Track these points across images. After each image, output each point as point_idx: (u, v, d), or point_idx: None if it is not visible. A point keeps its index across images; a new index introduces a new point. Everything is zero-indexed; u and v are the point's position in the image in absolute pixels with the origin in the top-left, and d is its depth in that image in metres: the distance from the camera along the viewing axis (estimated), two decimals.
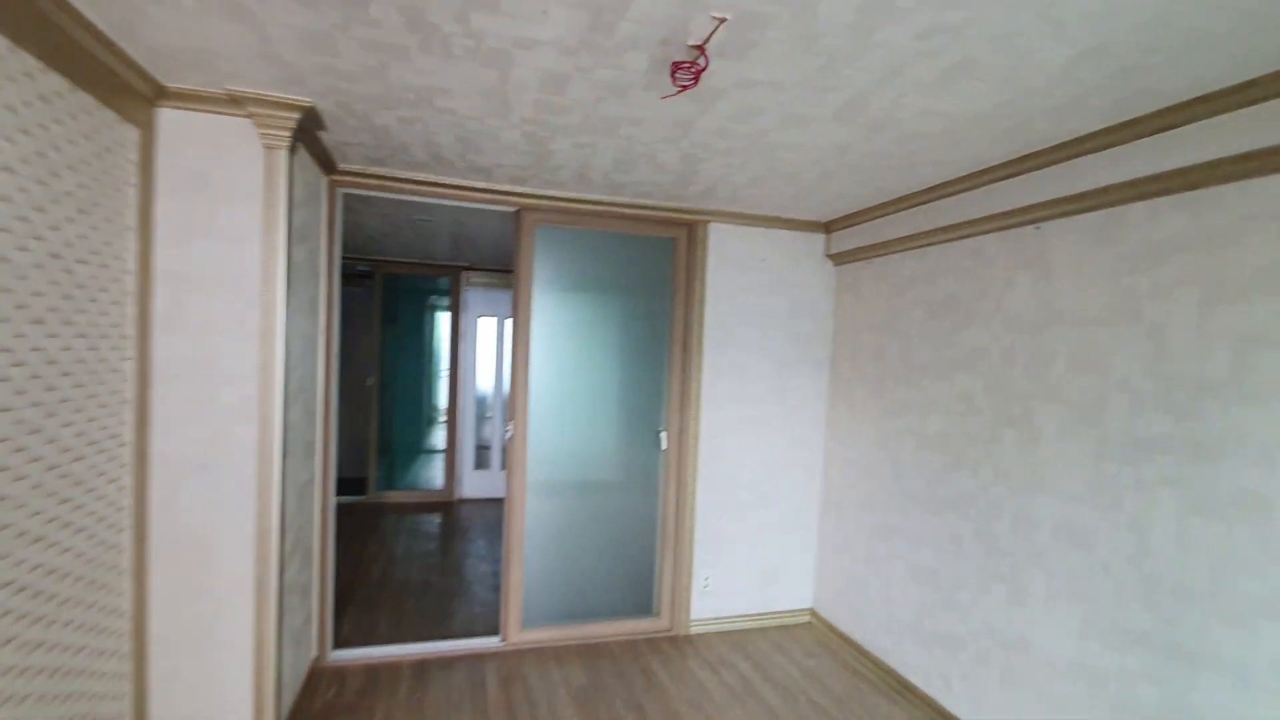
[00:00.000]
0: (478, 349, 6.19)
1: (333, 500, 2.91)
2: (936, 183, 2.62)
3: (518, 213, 3.06)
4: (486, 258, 5.44)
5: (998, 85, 1.68)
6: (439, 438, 7.01)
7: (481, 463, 6.24)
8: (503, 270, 6.07)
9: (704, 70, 1.48)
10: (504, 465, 6.33)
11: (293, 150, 2.17)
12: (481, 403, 6.40)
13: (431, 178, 2.85)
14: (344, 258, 5.68)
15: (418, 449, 7.52)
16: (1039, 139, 2.07)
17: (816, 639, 3.38)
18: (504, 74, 1.75)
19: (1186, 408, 1.80)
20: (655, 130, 2.13)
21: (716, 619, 3.43)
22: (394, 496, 5.87)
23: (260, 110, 2.05)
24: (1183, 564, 1.78)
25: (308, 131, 2.25)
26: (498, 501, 6.02)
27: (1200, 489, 1.75)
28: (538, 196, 3.01)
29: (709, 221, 3.29)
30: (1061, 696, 2.13)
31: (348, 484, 6.21)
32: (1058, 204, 2.18)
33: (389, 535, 4.86)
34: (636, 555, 3.39)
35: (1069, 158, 2.10)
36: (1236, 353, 1.68)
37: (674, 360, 3.33)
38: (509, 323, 6.29)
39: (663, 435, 3.31)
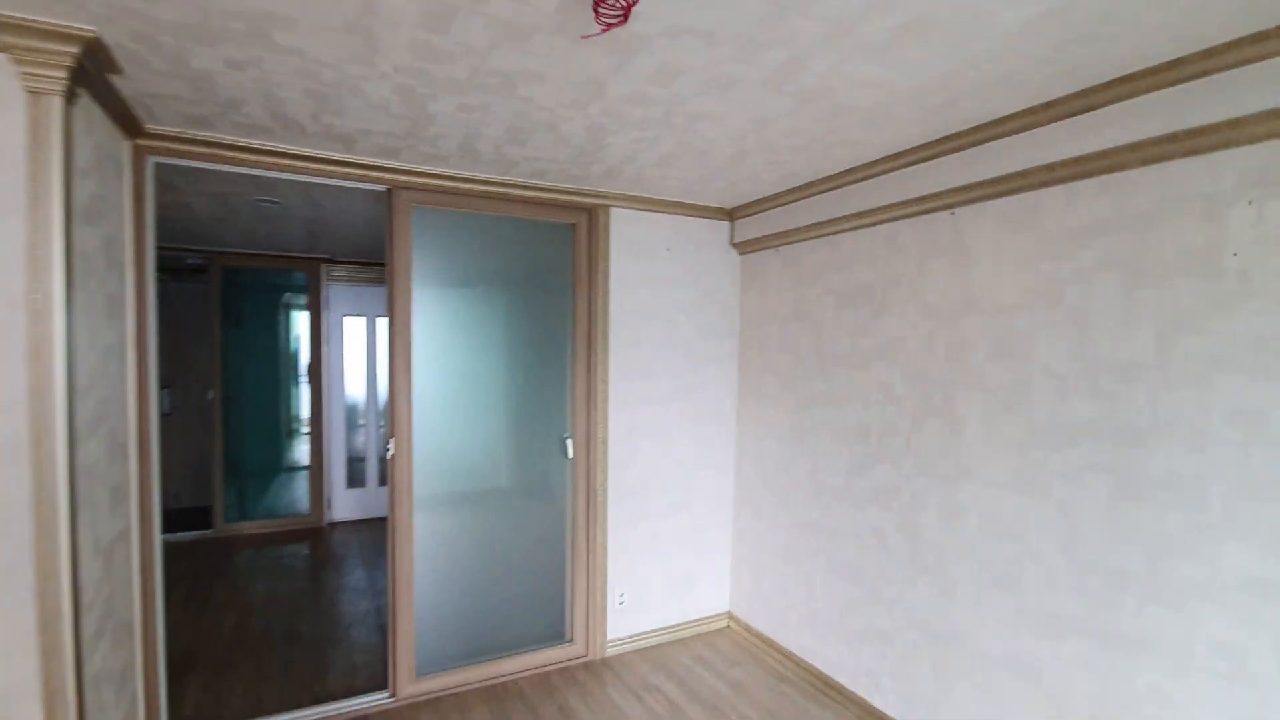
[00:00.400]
0: (345, 352, 5.49)
1: (157, 551, 2.31)
2: (851, 166, 2.52)
3: (389, 192, 2.60)
4: (351, 248, 4.79)
5: (944, 51, 1.54)
6: (303, 452, 6.17)
7: (356, 479, 5.56)
8: (371, 263, 5.42)
9: (635, 3, 1.19)
10: (384, 481, 5.69)
11: (71, 98, 1.61)
12: (353, 411, 5.70)
13: (276, 146, 2.32)
14: (165, 247, 4.78)
15: (276, 467, 6.62)
16: (960, 119, 1.99)
17: (736, 644, 3.24)
18: None
19: (1112, 392, 1.79)
20: (560, 92, 1.81)
21: (634, 636, 3.19)
22: (249, 527, 5.05)
23: (20, 41, 1.49)
24: (1115, 550, 1.78)
25: (94, 75, 1.69)
26: (378, 523, 5.39)
27: (1129, 473, 1.75)
28: (414, 174, 2.57)
29: (610, 206, 3.01)
30: (997, 688, 2.10)
31: (188, 517, 5.27)
32: (975, 188, 2.13)
33: (244, 576, 4.13)
34: (544, 576, 3.06)
35: (988, 139, 2.05)
36: (1160, 336, 1.68)
37: (577, 359, 3.02)
38: (382, 322, 5.66)
39: (568, 442, 3.00)
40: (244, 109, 1.98)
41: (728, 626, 3.45)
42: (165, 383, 6.28)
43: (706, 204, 3.24)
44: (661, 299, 3.20)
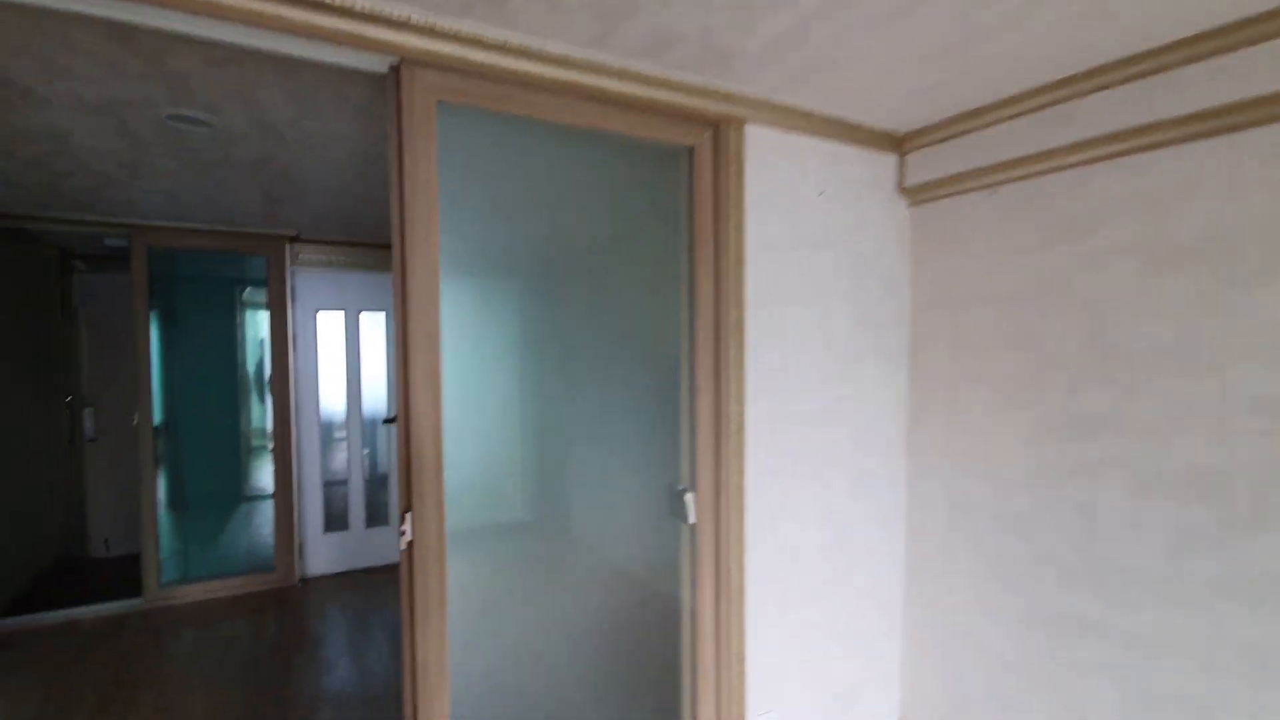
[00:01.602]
0: (319, 357, 4.29)
1: None
2: (1133, 53, 1.44)
3: (395, 72, 1.46)
4: (324, 220, 3.59)
5: None
6: (267, 475, 4.94)
7: (335, 518, 4.36)
8: (353, 243, 4.22)
9: None
10: (373, 520, 4.51)
11: None
12: (330, 428, 4.51)
13: None
14: (67, 220, 3.51)
15: (234, 496, 5.40)
16: None
17: None
18: None
19: None
20: None
21: None
22: (193, 592, 3.83)
23: None
24: None
25: None
26: (367, 577, 4.20)
27: None
28: (438, 34, 1.43)
29: (746, 121, 1.90)
30: None
31: (116, 575, 4.03)
32: None
33: (179, 678, 2.93)
34: (645, 705, 1.94)
35: None
36: None
37: (698, 368, 1.90)
38: (369, 317, 4.47)
39: (688, 499, 1.88)
40: None
41: None
42: (87, 401, 5.02)
43: (873, 125, 2.15)
44: (811, 272, 2.10)
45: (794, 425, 2.06)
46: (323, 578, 4.17)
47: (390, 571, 4.30)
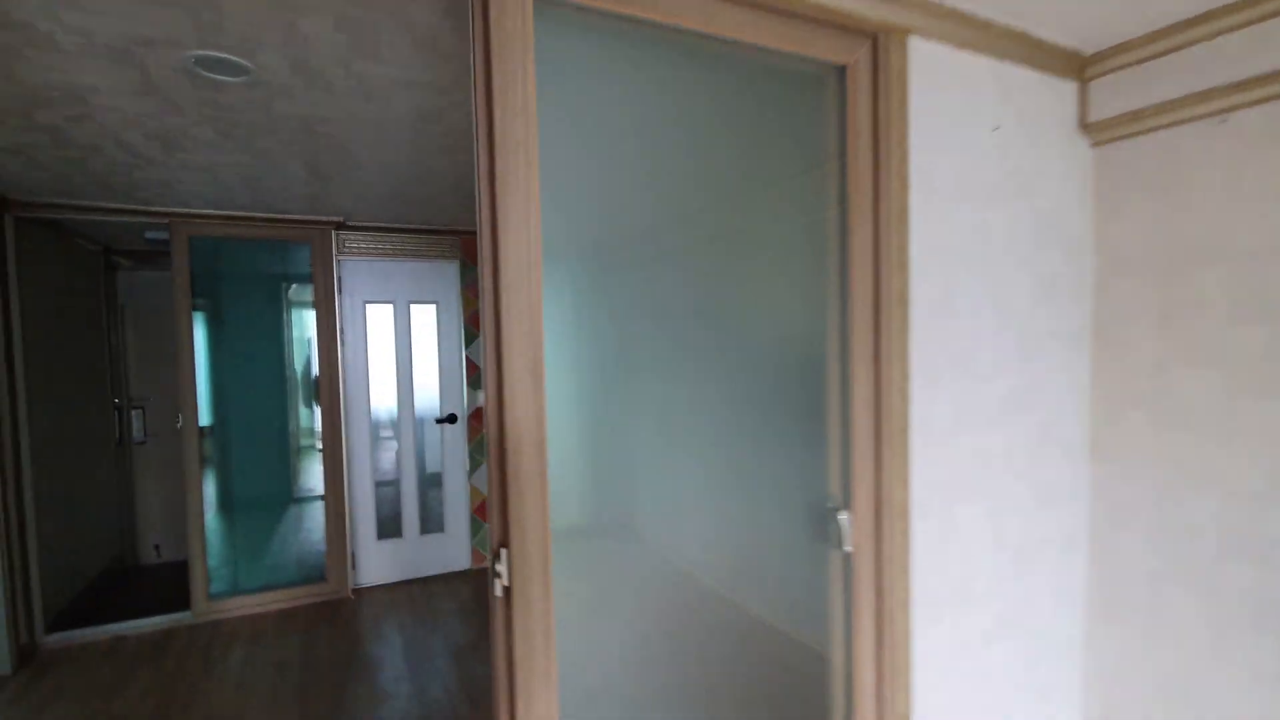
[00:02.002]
0: (369, 352, 4.02)
1: None
2: None
3: None
4: (374, 200, 3.28)
5: None
6: (316, 475, 4.67)
7: (388, 524, 4.09)
8: (403, 229, 3.93)
9: None
10: (427, 527, 4.22)
11: None
12: (379, 426, 4.23)
13: None
14: (103, 208, 3.25)
15: (284, 497, 5.19)
16: None
17: None
18: None
19: None
20: None
21: None
22: (244, 605, 3.59)
23: None
24: None
25: None
26: (421, 586, 3.92)
27: None
28: None
29: (910, 32, 1.47)
30: None
31: (167, 582, 3.83)
32: None
33: (232, 706, 2.65)
34: None
35: None
36: None
37: (852, 350, 1.48)
38: (420, 310, 4.14)
39: (843, 520, 1.46)
40: None
41: None
42: (135, 403, 4.87)
43: (1055, 41, 1.69)
44: (982, 229, 1.66)
45: (962, 425, 1.63)
46: (376, 589, 3.89)
47: (446, 582, 4.00)
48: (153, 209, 3.29)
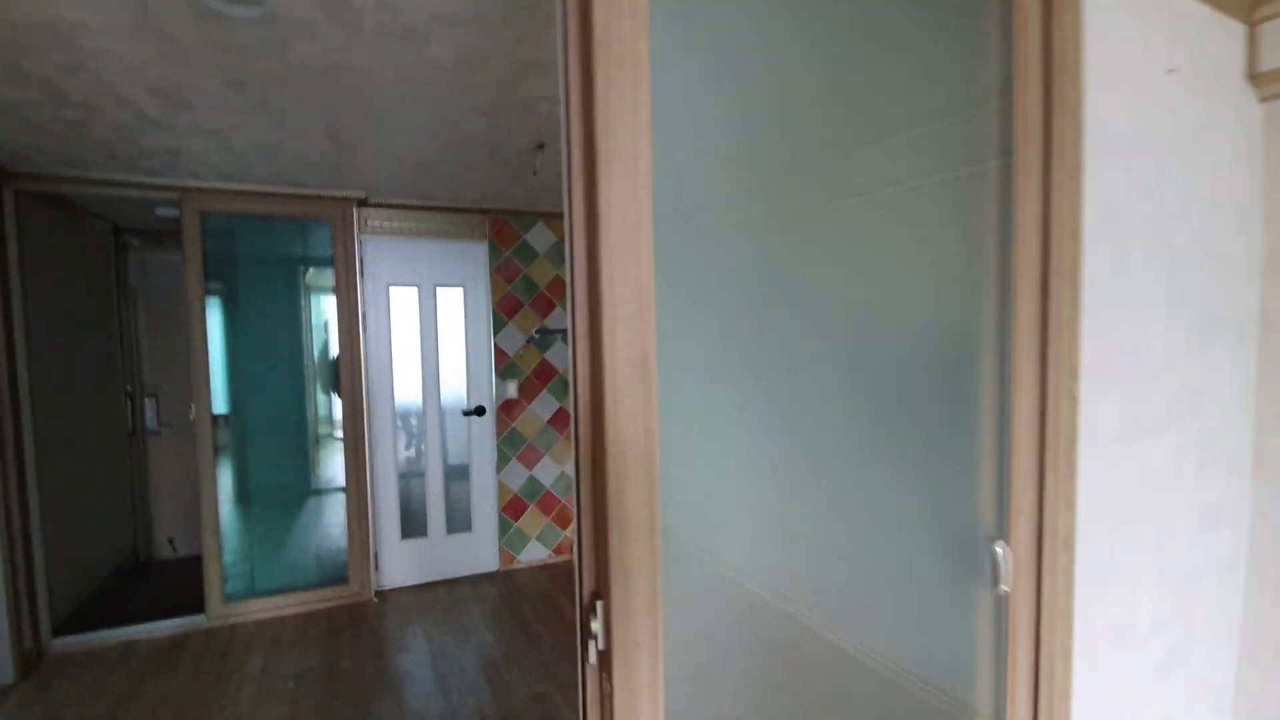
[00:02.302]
0: (392, 338, 3.77)
1: None
2: None
3: None
4: (398, 174, 3.01)
5: None
6: (337, 466, 4.45)
7: (413, 523, 3.85)
8: (428, 208, 3.66)
9: None
10: (454, 526, 3.98)
11: None
12: (403, 417, 3.99)
13: None
14: (108, 181, 2.95)
15: (303, 489, 4.98)
16: None
17: None
18: None
19: None
20: None
21: None
22: (260, 608, 3.38)
23: None
24: None
25: None
26: (455, 588, 3.68)
27: None
28: None
29: None
30: None
31: (180, 580, 3.62)
32: None
33: None
34: None
35: None
36: None
37: (1015, 344, 1.19)
38: (447, 293, 3.85)
39: (1000, 554, 1.18)
40: None
41: None
42: (148, 391, 4.66)
43: None
44: (1156, 192, 1.35)
45: (1129, 432, 1.33)
46: (400, 591, 3.67)
47: (473, 584, 3.77)
48: (161, 182, 3.04)
